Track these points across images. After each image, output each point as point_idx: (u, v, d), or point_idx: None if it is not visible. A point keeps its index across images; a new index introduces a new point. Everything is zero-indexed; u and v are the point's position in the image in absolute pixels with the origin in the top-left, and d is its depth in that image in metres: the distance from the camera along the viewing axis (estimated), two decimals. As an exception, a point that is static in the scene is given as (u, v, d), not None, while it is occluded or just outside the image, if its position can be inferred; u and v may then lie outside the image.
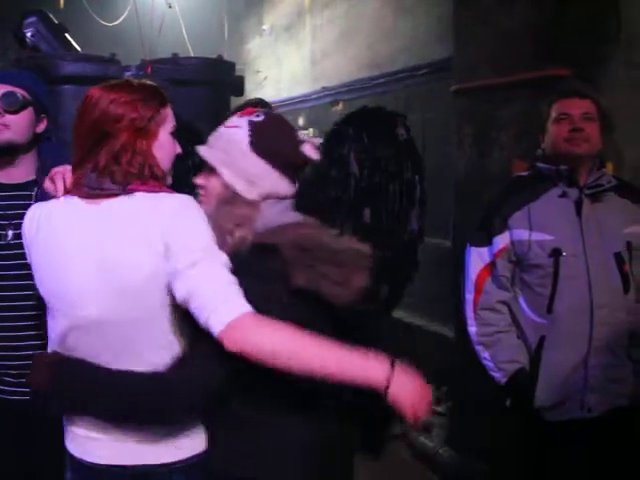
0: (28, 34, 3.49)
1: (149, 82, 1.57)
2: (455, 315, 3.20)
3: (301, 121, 6.96)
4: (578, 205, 2.21)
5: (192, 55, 6.18)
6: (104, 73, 3.18)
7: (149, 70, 3.36)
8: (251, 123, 1.57)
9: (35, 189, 1.98)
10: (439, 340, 4.30)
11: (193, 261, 1.37)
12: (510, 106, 3.26)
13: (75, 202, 1.48)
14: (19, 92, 1.96)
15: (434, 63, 4.73)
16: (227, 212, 1.49)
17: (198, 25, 7.90)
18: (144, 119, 1.47)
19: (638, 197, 2.33)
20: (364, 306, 1.51)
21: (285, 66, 7.59)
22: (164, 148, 1.52)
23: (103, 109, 1.46)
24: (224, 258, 1.41)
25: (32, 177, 2.02)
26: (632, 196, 2.30)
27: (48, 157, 2.00)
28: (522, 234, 2.21)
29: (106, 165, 1.44)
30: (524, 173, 2.39)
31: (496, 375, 2.26)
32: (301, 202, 1.98)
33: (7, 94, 1.93)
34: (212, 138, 1.61)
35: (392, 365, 1.40)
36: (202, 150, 1.57)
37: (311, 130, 6.74)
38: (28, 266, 1.58)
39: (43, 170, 1.95)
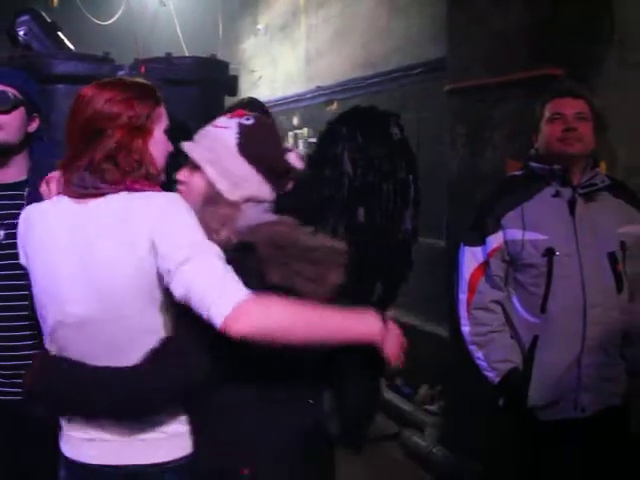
0: (20, 33, 3.46)
1: (142, 80, 1.57)
2: (449, 315, 3.20)
3: (296, 120, 6.95)
4: (571, 205, 2.21)
5: (187, 55, 6.16)
6: (97, 72, 3.15)
7: (143, 69, 3.34)
8: (240, 126, 1.58)
9: (27, 189, 1.97)
10: (433, 340, 4.30)
11: (186, 257, 1.37)
12: (503, 106, 3.26)
13: (64, 202, 1.48)
14: (10, 91, 1.95)
15: (428, 63, 4.73)
16: (212, 212, 1.50)
17: (193, 25, 7.88)
18: (141, 117, 1.48)
19: (631, 197, 2.33)
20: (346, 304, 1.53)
21: (280, 65, 7.58)
22: (159, 146, 1.53)
23: (99, 107, 1.46)
24: (216, 250, 1.41)
25: (24, 177, 2.01)
26: (625, 196, 2.31)
27: (40, 157, 1.99)
28: (515, 234, 2.21)
29: (102, 163, 1.44)
30: (517, 173, 2.39)
31: (489, 375, 2.26)
32: (295, 201, 1.98)
33: None
34: (198, 136, 1.61)
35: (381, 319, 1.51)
36: (187, 146, 1.58)
37: (306, 130, 6.74)
38: (21, 266, 1.58)
39: (35, 170, 1.94)
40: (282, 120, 6.99)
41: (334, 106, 6.04)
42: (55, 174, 1.62)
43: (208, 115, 1.76)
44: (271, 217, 1.58)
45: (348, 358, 1.58)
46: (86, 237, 1.43)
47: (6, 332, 1.94)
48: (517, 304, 2.25)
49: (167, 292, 1.42)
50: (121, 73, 3.26)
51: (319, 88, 6.44)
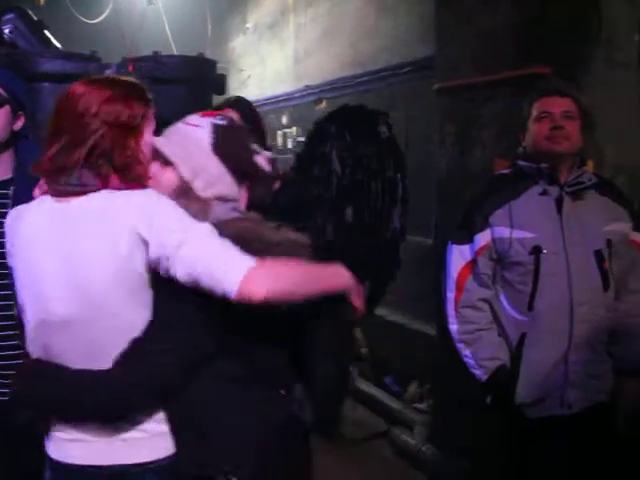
0: (6, 31, 3.44)
1: (134, 80, 1.56)
2: (437, 313, 3.20)
3: (285, 119, 6.95)
4: (559, 203, 2.22)
5: (175, 53, 6.14)
6: (84, 71, 3.13)
7: (130, 68, 3.33)
8: (214, 125, 1.60)
9: (12, 188, 1.95)
10: (421, 338, 4.31)
11: (183, 239, 1.39)
12: (492, 105, 3.27)
13: (47, 201, 1.47)
14: (-5, 90, 1.93)
15: (416, 62, 4.74)
16: (185, 205, 1.51)
17: (181, 23, 7.85)
18: (137, 117, 1.49)
19: (618, 195, 2.35)
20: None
21: (269, 64, 7.58)
22: (147, 147, 1.53)
23: (95, 105, 1.45)
24: (209, 227, 1.44)
25: (9, 175, 1.99)
26: (612, 194, 2.32)
27: (25, 155, 1.97)
28: (503, 232, 2.21)
29: (98, 162, 1.44)
30: (505, 171, 2.40)
31: (477, 372, 2.27)
32: (283, 200, 1.98)
33: None
34: (169, 132, 1.62)
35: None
36: (159, 142, 1.57)
37: (295, 129, 6.74)
38: (6, 266, 1.57)
39: (20, 168, 1.93)
40: (271, 119, 6.99)
41: (323, 105, 6.04)
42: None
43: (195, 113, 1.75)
44: (238, 215, 1.61)
45: (316, 338, 1.66)
46: (68, 236, 1.43)
47: None
48: (504, 302, 2.26)
49: (151, 289, 1.43)
50: (108, 72, 3.24)
51: (308, 87, 6.44)
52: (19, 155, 2.01)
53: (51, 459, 1.51)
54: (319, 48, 6.44)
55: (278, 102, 7.05)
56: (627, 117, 3.18)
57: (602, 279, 2.21)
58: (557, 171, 2.22)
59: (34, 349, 1.50)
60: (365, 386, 4.69)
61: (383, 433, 4.13)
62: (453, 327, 2.31)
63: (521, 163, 2.30)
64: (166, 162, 1.57)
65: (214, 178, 1.57)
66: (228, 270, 1.37)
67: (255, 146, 1.73)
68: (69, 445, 1.47)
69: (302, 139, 5.95)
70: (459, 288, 2.28)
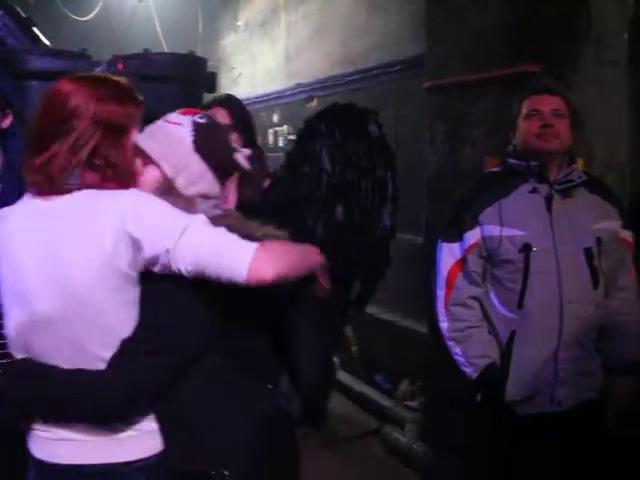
0: (-6, 28, 3.43)
1: (121, 78, 1.56)
2: (428, 311, 3.21)
3: (276, 118, 6.94)
4: (548, 201, 2.22)
5: (166, 51, 6.13)
6: (73, 68, 3.12)
7: (120, 66, 3.32)
8: (195, 124, 1.60)
9: (0, 185, 1.94)
10: (412, 336, 4.32)
11: (181, 231, 1.40)
12: (482, 103, 3.27)
13: (31, 200, 1.46)
14: (-17, 87, 1.92)
15: (407, 60, 4.73)
16: (171, 202, 1.51)
17: (172, 21, 7.84)
18: (127, 117, 1.49)
19: (608, 193, 2.35)
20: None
21: (260, 62, 7.56)
22: (131, 147, 1.53)
23: (82, 104, 1.45)
24: (202, 218, 1.45)
25: (-3, 173, 1.98)
26: (602, 192, 2.33)
27: (13, 153, 1.96)
28: (493, 230, 2.22)
29: (85, 161, 1.43)
30: (495, 169, 2.40)
31: (467, 370, 2.27)
32: (274, 198, 1.98)
33: None
34: (149, 130, 1.61)
35: None
36: (140, 140, 1.57)
37: (286, 127, 6.73)
38: None
39: (8, 166, 1.92)
40: (262, 117, 6.98)
41: (314, 103, 6.03)
42: None
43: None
44: (220, 212, 1.62)
45: (298, 330, 1.69)
46: (51, 234, 1.42)
47: None
48: (494, 300, 2.26)
49: (137, 289, 1.43)
50: (98, 69, 3.23)
51: (299, 85, 6.43)
52: (7, 153, 2.01)
53: (35, 459, 1.50)
54: (310, 46, 6.44)
55: (269, 100, 7.04)
56: (616, 115, 3.19)
57: (592, 277, 2.21)
58: (547, 169, 2.23)
59: (15, 349, 1.49)
60: (356, 384, 4.69)
61: (374, 431, 4.14)
62: (443, 325, 2.31)
63: (511, 161, 2.30)
64: (148, 160, 1.57)
65: (196, 176, 1.58)
66: (234, 255, 1.40)
67: (234, 143, 1.76)
68: (55, 444, 1.46)
69: (293, 137, 5.95)
70: (449, 286, 2.28)
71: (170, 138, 1.58)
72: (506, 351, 2.23)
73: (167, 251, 1.39)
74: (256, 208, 1.82)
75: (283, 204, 1.85)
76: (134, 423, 1.47)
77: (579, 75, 3.00)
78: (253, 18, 7.68)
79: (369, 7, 5.52)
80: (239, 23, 7.97)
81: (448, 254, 2.30)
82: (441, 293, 2.30)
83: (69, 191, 1.43)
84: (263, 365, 1.64)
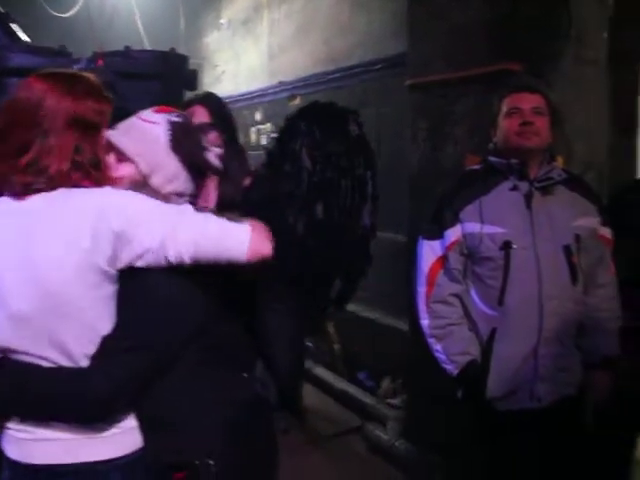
0: (-29, 24, 3.39)
1: (91, 75, 1.55)
2: (409, 309, 3.21)
3: (258, 116, 6.92)
4: (528, 198, 2.24)
5: (147, 48, 6.09)
6: (52, 65, 3.06)
7: (100, 63, 3.28)
8: (170, 122, 1.62)
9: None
10: (394, 334, 4.33)
11: (173, 225, 1.41)
12: (464, 101, 3.28)
13: (4, 201, 1.45)
14: (-41, 84, 1.90)
15: (389, 58, 4.74)
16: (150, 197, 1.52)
17: (155, 19, 7.79)
18: (100, 114, 1.49)
19: (587, 191, 2.37)
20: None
21: (243, 60, 7.54)
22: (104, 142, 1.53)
23: (54, 102, 1.44)
24: (189, 206, 1.49)
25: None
26: (581, 189, 2.34)
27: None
28: (473, 227, 2.22)
29: (70, 159, 1.42)
30: (476, 167, 2.41)
31: (448, 367, 2.28)
32: (254, 197, 1.97)
33: None
34: (124, 127, 1.62)
35: None
36: (114, 138, 1.57)
37: (269, 125, 6.72)
38: None
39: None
40: (245, 115, 6.96)
41: (297, 101, 6.02)
42: None
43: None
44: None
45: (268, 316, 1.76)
46: (27, 234, 1.40)
47: None
48: (475, 297, 2.27)
49: (116, 286, 1.43)
50: (77, 66, 3.19)
51: (281, 83, 6.42)
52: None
53: (9, 459, 1.48)
54: (293, 44, 6.43)
55: (252, 98, 7.02)
56: (596, 114, 3.22)
57: (571, 273, 2.22)
58: (527, 167, 2.24)
59: None
60: (338, 382, 4.70)
61: (356, 429, 4.14)
62: (424, 322, 2.31)
63: (491, 159, 2.31)
64: (122, 157, 1.57)
65: (172, 175, 1.59)
66: (233, 237, 1.46)
67: (214, 142, 1.82)
68: (31, 445, 1.44)
69: (276, 135, 5.93)
70: (430, 283, 2.29)
71: (145, 136, 1.59)
72: (486, 348, 2.24)
73: (161, 242, 1.40)
74: (237, 207, 1.82)
75: (264, 202, 1.84)
76: (114, 421, 1.46)
77: (559, 74, 3.02)
78: (236, 16, 7.65)
79: (352, 5, 5.52)
80: (222, 21, 7.94)
81: (429, 251, 2.30)
82: (422, 290, 2.31)
83: (42, 190, 1.42)
84: (239, 354, 1.67)
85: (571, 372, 2.28)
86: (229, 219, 1.52)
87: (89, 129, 1.46)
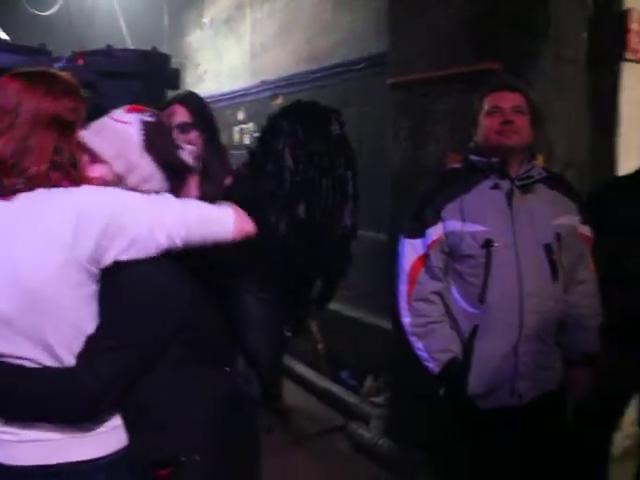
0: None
1: (66, 74, 1.54)
2: (391, 307, 3.23)
3: (241, 115, 6.90)
4: (509, 196, 2.24)
5: (131, 48, 6.06)
6: (32, 64, 3.05)
7: (81, 61, 3.27)
8: (143, 122, 1.61)
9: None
10: (377, 332, 4.33)
11: (159, 214, 1.45)
12: (445, 100, 3.29)
13: None
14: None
15: (371, 57, 4.74)
16: None
17: (137, 18, 7.75)
18: (76, 113, 1.48)
19: (567, 189, 2.38)
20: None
21: (225, 59, 7.51)
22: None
23: (29, 102, 1.42)
24: (169, 195, 1.54)
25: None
26: (562, 188, 2.36)
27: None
28: (455, 225, 2.23)
29: (49, 159, 1.41)
30: (457, 165, 2.42)
31: (430, 365, 2.28)
32: (236, 196, 1.97)
33: None
34: (96, 128, 1.61)
35: None
36: (87, 138, 1.56)
37: (251, 124, 6.70)
38: None
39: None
40: (228, 115, 6.94)
41: (279, 100, 6.01)
42: None
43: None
44: None
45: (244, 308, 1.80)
46: (7, 234, 1.39)
47: None
48: (456, 295, 2.27)
49: (97, 285, 1.42)
50: (58, 65, 3.18)
51: (264, 83, 6.41)
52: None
53: None
54: (275, 43, 6.42)
55: (234, 98, 7.00)
56: (576, 113, 3.24)
57: (551, 271, 2.24)
58: (508, 165, 2.25)
59: None
60: (322, 381, 4.70)
61: (340, 427, 4.15)
62: (406, 320, 2.31)
63: (472, 157, 2.32)
64: (95, 158, 1.57)
65: (147, 175, 1.59)
66: (218, 219, 1.55)
67: (184, 141, 1.83)
68: (15, 446, 1.42)
69: (258, 135, 5.92)
70: (411, 281, 2.29)
71: (119, 137, 1.58)
72: (468, 345, 2.24)
73: (149, 229, 1.42)
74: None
75: (245, 202, 1.84)
76: (99, 420, 1.45)
77: (539, 73, 3.04)
78: (219, 15, 7.63)
79: (334, 4, 5.52)
80: (205, 20, 7.91)
81: (410, 250, 2.31)
82: (403, 288, 2.31)
83: (21, 191, 1.40)
84: (219, 348, 1.69)
85: (551, 369, 2.29)
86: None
87: (67, 129, 1.45)
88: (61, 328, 1.40)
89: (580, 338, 2.33)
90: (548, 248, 2.24)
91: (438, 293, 2.29)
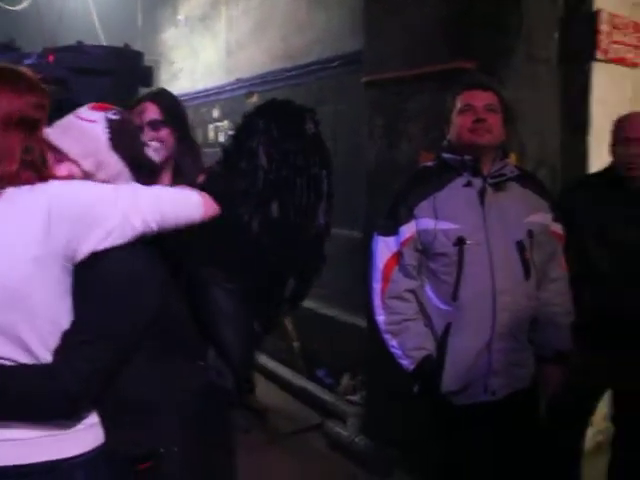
0: None
1: (24, 69, 1.52)
2: (366, 305, 3.23)
3: (216, 113, 6.87)
4: (482, 194, 2.25)
5: (104, 44, 6.00)
6: (1, 60, 3.03)
7: (51, 58, 3.22)
8: (109, 120, 1.62)
9: None
10: (352, 330, 4.34)
11: (131, 203, 1.46)
12: (418, 98, 3.31)
13: None
14: None
15: (347, 55, 4.74)
16: None
17: (111, 14, 7.67)
18: (45, 109, 1.46)
19: (539, 187, 2.41)
20: None
21: (200, 57, 7.47)
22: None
23: (6, 103, 1.40)
24: (135, 184, 1.57)
25: None
26: (533, 186, 2.38)
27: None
28: (428, 223, 2.23)
29: (19, 158, 1.40)
30: (430, 163, 2.43)
31: (404, 363, 2.28)
32: (208, 193, 1.96)
33: None
34: (61, 126, 1.60)
35: None
36: (53, 137, 1.56)
37: (226, 122, 6.67)
38: None
39: None
40: (203, 113, 6.91)
41: (254, 99, 6.00)
42: None
43: (121, 106, 1.74)
44: None
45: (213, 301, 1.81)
46: None
47: None
48: (430, 292, 2.28)
49: (71, 278, 1.42)
50: (28, 61, 3.13)
51: (239, 80, 6.38)
52: None
53: None
54: (250, 41, 6.39)
55: (209, 95, 6.97)
56: (548, 112, 3.27)
57: (523, 269, 2.25)
58: (480, 163, 2.26)
59: None
60: (298, 379, 4.70)
61: (316, 426, 4.15)
62: (380, 318, 2.31)
63: (445, 155, 2.32)
64: (61, 157, 1.56)
65: (115, 173, 1.60)
66: (186, 201, 1.61)
67: (148, 138, 1.87)
68: None
69: (233, 133, 5.89)
70: (385, 279, 2.29)
71: (86, 135, 1.58)
72: (441, 343, 2.25)
73: (124, 215, 1.43)
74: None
75: (217, 199, 1.83)
76: (77, 418, 1.44)
77: (511, 72, 3.06)
78: (193, 12, 7.58)
79: (309, 2, 5.51)
80: (179, 17, 7.85)
81: (384, 248, 2.31)
82: (377, 286, 2.31)
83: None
84: (190, 341, 1.71)
85: (525, 366, 2.31)
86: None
87: (35, 127, 1.44)
88: (37, 324, 1.38)
89: (552, 336, 2.35)
90: (520, 245, 2.25)
91: (412, 291, 2.29)
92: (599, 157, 3.05)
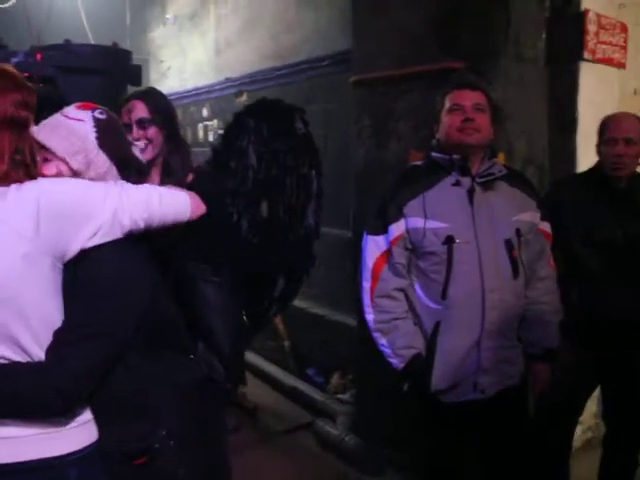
0: None
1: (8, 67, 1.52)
2: (356, 304, 3.24)
3: (205, 112, 6.86)
4: (470, 193, 2.26)
5: (92, 43, 5.96)
6: (-11, 58, 3.01)
7: (39, 57, 3.21)
8: (96, 120, 1.63)
9: None
10: (342, 329, 4.35)
11: (120, 201, 1.48)
12: (407, 97, 3.31)
13: None
14: None
15: (336, 54, 4.74)
16: None
17: (100, 13, 7.63)
18: (32, 107, 1.47)
19: (527, 186, 2.42)
20: None
21: (189, 56, 7.45)
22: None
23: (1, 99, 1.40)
24: (124, 182, 1.58)
25: None
26: (521, 185, 2.39)
27: None
28: (417, 222, 2.24)
29: (9, 158, 1.40)
30: (419, 162, 2.43)
31: (394, 361, 2.29)
32: (197, 192, 1.96)
33: None
34: (50, 126, 1.60)
35: None
36: (42, 136, 1.56)
37: (215, 121, 6.66)
38: None
39: None
40: (192, 112, 6.89)
41: (244, 98, 5.99)
42: None
43: (109, 105, 1.74)
44: None
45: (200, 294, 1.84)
46: None
47: None
48: (419, 291, 2.28)
49: (61, 276, 1.42)
50: (15, 60, 3.12)
51: (228, 79, 6.37)
52: None
53: None
54: (240, 40, 6.38)
55: (199, 94, 6.95)
56: (536, 111, 3.29)
57: (512, 267, 2.26)
58: (469, 162, 2.27)
59: None
60: (288, 378, 4.70)
61: (307, 425, 4.15)
62: (369, 317, 2.32)
63: (434, 154, 2.33)
64: (49, 156, 1.56)
65: (103, 171, 1.61)
66: (175, 200, 1.64)
67: (135, 137, 1.91)
68: None
69: (222, 132, 5.88)
70: (375, 278, 2.30)
71: (74, 134, 1.58)
72: (431, 341, 2.26)
73: (113, 212, 1.44)
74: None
75: (206, 199, 1.83)
76: (71, 415, 1.45)
77: (499, 71, 3.08)
78: (182, 11, 7.56)
79: (299, 1, 5.51)
80: (168, 16, 7.83)
81: (373, 246, 2.31)
82: (367, 285, 2.31)
83: None
84: (182, 337, 1.72)
85: (514, 364, 2.32)
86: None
87: (23, 125, 1.44)
88: (29, 322, 1.38)
89: (541, 333, 2.36)
90: (508, 244, 2.26)
91: (401, 290, 2.30)
92: (587, 156, 3.07)
